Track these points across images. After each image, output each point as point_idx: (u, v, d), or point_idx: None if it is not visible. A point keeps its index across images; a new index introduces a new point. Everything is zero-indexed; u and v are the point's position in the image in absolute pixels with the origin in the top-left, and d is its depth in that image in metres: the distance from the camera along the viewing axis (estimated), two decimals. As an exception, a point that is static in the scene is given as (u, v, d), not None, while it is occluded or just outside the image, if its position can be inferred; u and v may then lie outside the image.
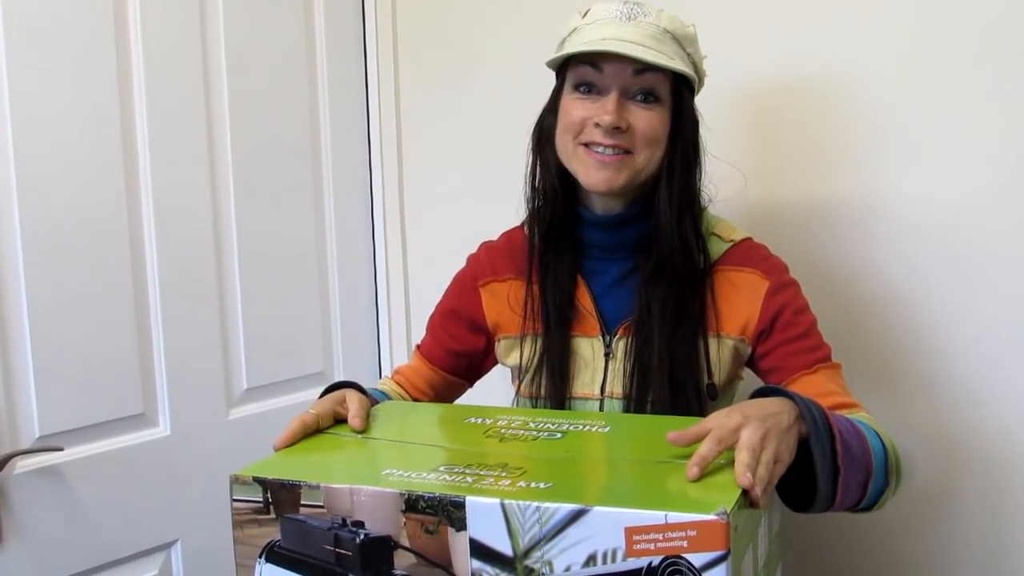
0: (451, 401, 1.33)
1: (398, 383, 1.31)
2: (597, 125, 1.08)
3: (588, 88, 1.10)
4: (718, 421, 0.86)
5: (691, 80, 1.11)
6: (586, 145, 1.10)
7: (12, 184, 1.36)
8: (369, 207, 1.91)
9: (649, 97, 1.08)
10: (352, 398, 1.05)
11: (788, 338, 1.12)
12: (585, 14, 1.12)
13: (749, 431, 0.83)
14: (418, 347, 1.33)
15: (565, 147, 1.12)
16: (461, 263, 1.30)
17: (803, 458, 0.90)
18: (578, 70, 1.10)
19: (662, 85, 1.09)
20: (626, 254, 1.16)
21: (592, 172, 1.09)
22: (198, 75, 1.59)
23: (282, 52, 1.72)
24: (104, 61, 1.45)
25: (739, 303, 1.13)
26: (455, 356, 1.29)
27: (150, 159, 1.52)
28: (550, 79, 1.18)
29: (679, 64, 1.07)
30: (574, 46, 1.09)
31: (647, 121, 1.08)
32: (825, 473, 0.90)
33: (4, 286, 1.36)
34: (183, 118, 1.57)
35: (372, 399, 1.12)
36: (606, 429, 0.98)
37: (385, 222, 1.89)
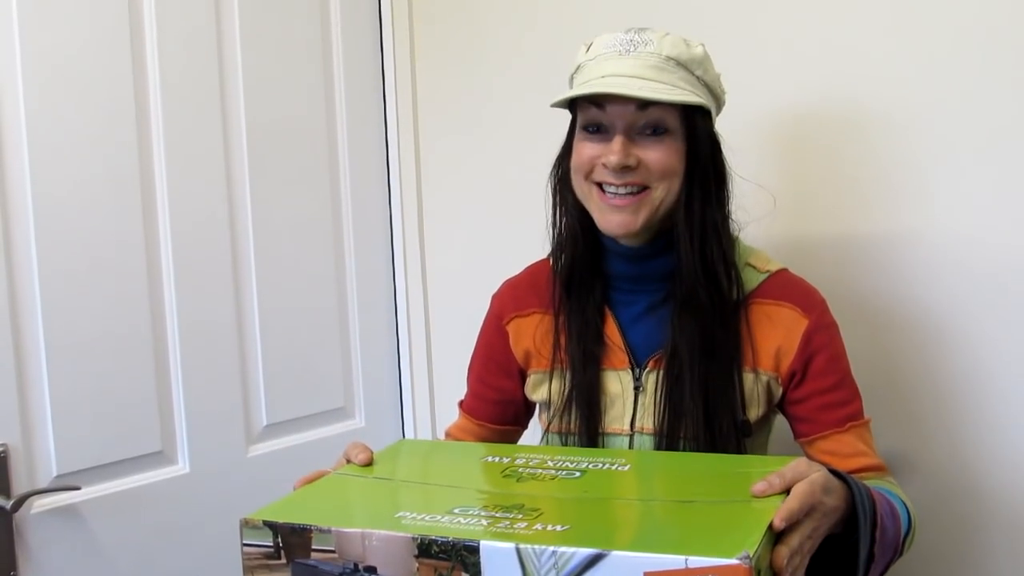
0: None
1: None
2: (606, 165, 1.06)
3: (596, 128, 1.08)
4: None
5: (703, 106, 1.08)
6: (600, 186, 1.08)
7: (30, 220, 1.36)
8: (388, 239, 1.90)
9: (658, 130, 1.06)
10: (353, 444, 1.04)
11: (822, 388, 1.09)
12: (589, 48, 1.11)
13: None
14: (460, 404, 1.32)
15: (580, 187, 1.11)
16: (482, 289, 1.29)
17: (828, 547, 0.88)
18: (584, 111, 1.09)
19: (670, 116, 1.05)
20: (655, 285, 1.13)
21: (607, 216, 1.08)
22: (215, 95, 1.59)
23: (297, 58, 1.73)
24: (119, 79, 1.46)
25: (775, 338, 1.10)
26: (497, 405, 1.27)
27: (168, 197, 1.52)
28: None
29: (682, 94, 1.04)
30: (575, 87, 1.07)
31: (658, 154, 1.05)
32: (863, 568, 0.89)
33: (22, 322, 1.36)
34: (200, 149, 1.57)
35: None
36: (626, 468, 0.95)
37: (405, 254, 1.88)
